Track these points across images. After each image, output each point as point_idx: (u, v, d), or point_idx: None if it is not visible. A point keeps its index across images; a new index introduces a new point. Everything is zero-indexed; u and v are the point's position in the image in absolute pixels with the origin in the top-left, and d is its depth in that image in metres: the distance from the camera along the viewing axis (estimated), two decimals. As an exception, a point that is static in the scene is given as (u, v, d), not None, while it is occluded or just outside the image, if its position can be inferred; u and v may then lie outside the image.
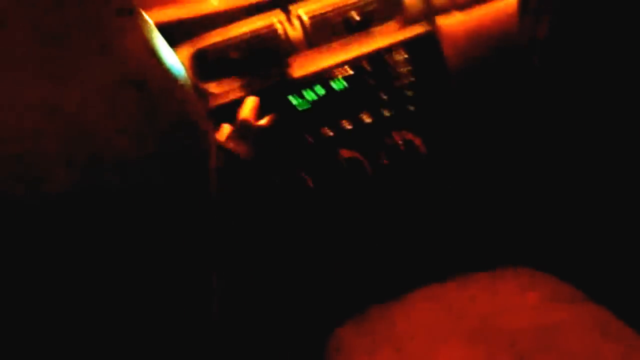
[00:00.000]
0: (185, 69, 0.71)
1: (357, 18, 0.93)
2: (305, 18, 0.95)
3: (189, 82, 0.62)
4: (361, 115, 0.97)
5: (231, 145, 0.85)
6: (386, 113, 0.97)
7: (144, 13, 0.55)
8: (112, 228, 0.30)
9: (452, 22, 0.88)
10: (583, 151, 0.86)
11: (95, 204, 0.29)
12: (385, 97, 0.96)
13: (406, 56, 0.94)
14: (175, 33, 0.90)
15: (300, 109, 0.96)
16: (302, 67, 0.95)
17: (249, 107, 0.89)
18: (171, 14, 0.93)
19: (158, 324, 0.36)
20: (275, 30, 0.93)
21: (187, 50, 0.93)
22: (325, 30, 0.95)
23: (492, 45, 0.86)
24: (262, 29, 0.93)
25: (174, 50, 0.59)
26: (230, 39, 0.94)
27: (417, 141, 0.96)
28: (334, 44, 0.95)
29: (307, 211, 0.99)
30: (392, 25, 0.93)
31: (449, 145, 0.97)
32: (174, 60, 0.54)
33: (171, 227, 0.35)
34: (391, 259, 1.00)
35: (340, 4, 0.95)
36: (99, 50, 0.33)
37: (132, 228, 0.31)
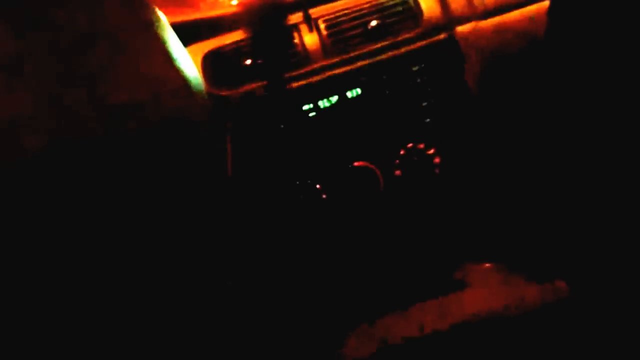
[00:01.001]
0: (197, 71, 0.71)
1: (375, 25, 0.92)
2: (322, 25, 0.94)
3: (202, 87, 0.61)
4: (375, 125, 0.95)
5: None
6: (401, 123, 0.95)
7: (161, 15, 0.55)
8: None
9: (472, 31, 0.87)
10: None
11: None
12: (400, 107, 0.94)
13: (423, 65, 0.92)
14: (189, 33, 0.89)
15: (314, 117, 0.95)
16: (317, 74, 0.94)
17: None
18: (186, 14, 0.94)
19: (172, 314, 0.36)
20: (292, 36, 0.92)
21: (200, 51, 0.93)
22: (342, 37, 0.94)
23: (513, 54, 0.85)
24: (279, 34, 0.92)
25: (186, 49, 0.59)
26: (243, 40, 0.94)
27: (432, 153, 0.94)
28: (351, 52, 0.94)
29: (320, 221, 0.97)
30: (410, 34, 0.92)
31: (464, 158, 0.95)
32: (188, 64, 0.53)
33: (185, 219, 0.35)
34: (400, 269, 0.98)
35: (359, 12, 0.94)
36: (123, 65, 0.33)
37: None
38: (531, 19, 0.82)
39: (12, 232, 0.26)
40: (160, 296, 0.35)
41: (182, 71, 0.43)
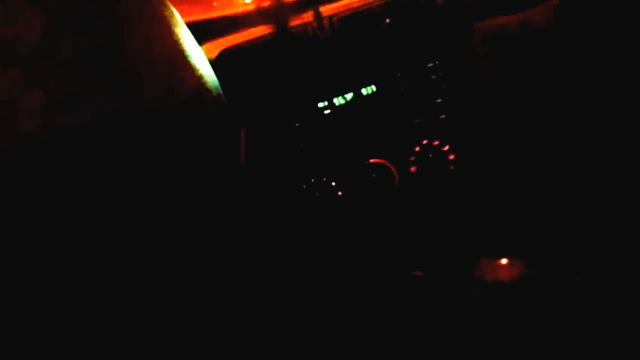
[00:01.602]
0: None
1: (388, 22, 0.92)
2: (336, 22, 0.94)
3: (216, 84, 0.61)
4: (390, 122, 0.95)
5: None
6: (416, 120, 0.95)
7: (175, 12, 0.55)
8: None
9: (488, 27, 0.87)
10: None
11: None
12: (415, 104, 0.94)
13: (437, 62, 0.92)
14: (203, 31, 0.90)
15: (329, 115, 0.96)
16: (332, 71, 0.95)
17: None
18: (201, 13, 0.94)
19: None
20: (305, 33, 0.93)
21: (215, 49, 0.94)
22: (356, 34, 0.94)
23: (529, 50, 0.84)
24: (291, 30, 0.93)
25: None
26: (256, 39, 0.95)
27: (447, 149, 0.94)
28: (365, 49, 0.94)
29: (335, 218, 0.98)
30: (424, 30, 0.92)
31: (479, 154, 0.95)
32: (202, 61, 0.53)
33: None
34: (415, 265, 0.98)
35: (371, 8, 0.94)
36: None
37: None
38: (548, 15, 0.82)
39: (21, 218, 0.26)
40: (168, 291, 0.35)
41: (195, 66, 0.43)
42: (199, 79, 0.43)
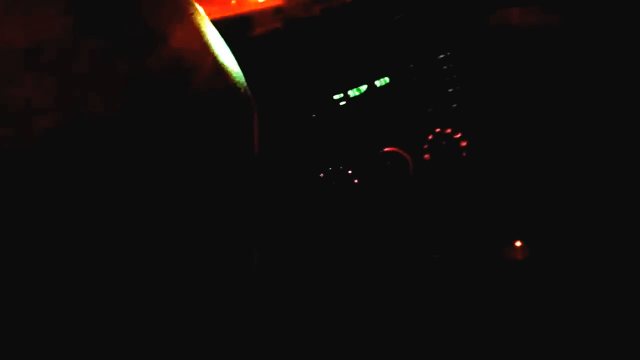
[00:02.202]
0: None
1: (401, 16, 0.96)
2: (348, 16, 0.98)
3: (241, 77, 0.64)
4: (404, 112, 0.99)
5: None
6: (428, 110, 0.99)
7: (199, 7, 0.59)
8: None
9: (501, 18, 0.90)
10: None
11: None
12: (427, 94, 0.98)
13: (449, 53, 0.96)
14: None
15: (344, 106, 0.99)
16: (346, 64, 0.99)
17: None
18: (216, 11, 0.98)
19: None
20: (320, 29, 0.97)
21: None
22: (368, 28, 0.98)
23: (540, 40, 0.88)
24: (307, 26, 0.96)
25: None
26: (274, 32, 0.98)
27: (459, 137, 0.98)
28: (378, 41, 0.98)
29: (351, 206, 1.01)
30: (436, 21, 0.96)
31: (491, 141, 0.99)
32: (227, 54, 0.56)
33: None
34: (430, 250, 1.02)
35: (384, 2, 0.98)
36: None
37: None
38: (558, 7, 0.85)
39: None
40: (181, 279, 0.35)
41: (218, 57, 0.44)
42: (219, 67, 0.44)
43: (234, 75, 0.54)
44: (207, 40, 0.48)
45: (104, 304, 0.30)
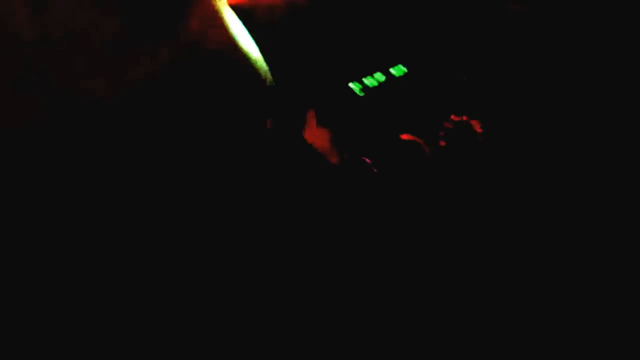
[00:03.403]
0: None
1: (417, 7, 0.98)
2: (365, 7, 0.99)
3: (262, 62, 0.65)
4: (420, 100, 1.01)
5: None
6: (444, 97, 1.01)
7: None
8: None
9: (516, 8, 0.93)
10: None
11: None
12: (443, 82, 1.00)
13: (464, 42, 0.98)
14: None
15: (361, 95, 1.01)
16: (363, 54, 1.00)
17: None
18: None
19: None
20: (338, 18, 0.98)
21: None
22: (384, 18, 0.99)
23: (554, 28, 0.90)
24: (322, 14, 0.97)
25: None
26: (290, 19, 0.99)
27: (474, 123, 1.00)
28: (394, 31, 0.99)
29: (371, 194, 1.02)
30: (451, 10, 0.98)
31: (505, 126, 1.01)
32: (248, 41, 0.56)
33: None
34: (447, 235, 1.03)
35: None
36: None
37: None
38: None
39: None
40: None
41: (238, 42, 0.45)
42: (239, 50, 0.45)
43: (253, 58, 0.54)
44: (227, 25, 0.49)
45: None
